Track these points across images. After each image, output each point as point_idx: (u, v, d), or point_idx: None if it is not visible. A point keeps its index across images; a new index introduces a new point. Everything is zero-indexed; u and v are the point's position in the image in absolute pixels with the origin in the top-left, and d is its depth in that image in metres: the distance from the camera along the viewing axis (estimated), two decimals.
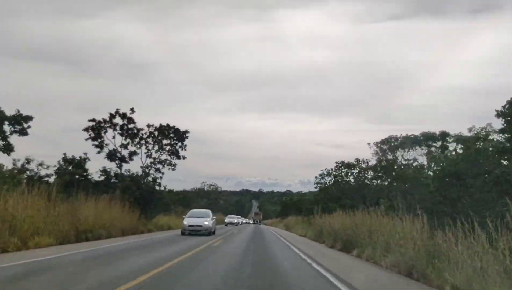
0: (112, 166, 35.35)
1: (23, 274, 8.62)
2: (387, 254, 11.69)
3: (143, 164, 39.22)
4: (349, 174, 36.17)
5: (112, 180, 34.14)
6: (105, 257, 12.49)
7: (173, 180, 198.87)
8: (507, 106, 16.24)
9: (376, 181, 32.91)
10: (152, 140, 39.69)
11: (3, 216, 13.63)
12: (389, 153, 41.69)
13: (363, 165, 35.27)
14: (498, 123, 17.02)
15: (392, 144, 42.37)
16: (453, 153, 25.69)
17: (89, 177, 31.83)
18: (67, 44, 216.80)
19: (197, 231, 26.11)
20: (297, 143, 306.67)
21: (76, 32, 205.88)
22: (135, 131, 37.58)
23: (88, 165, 32.02)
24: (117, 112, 36.78)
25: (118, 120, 36.85)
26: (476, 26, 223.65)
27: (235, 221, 67.28)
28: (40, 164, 28.54)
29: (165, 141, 40.40)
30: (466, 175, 15.11)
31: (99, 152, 35.56)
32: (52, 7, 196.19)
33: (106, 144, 36.09)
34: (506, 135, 16.47)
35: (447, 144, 37.42)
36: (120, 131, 36.81)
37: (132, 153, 37.28)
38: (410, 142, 41.06)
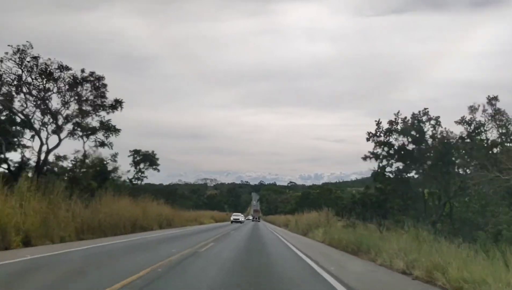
0: None
1: None
2: None
3: None
4: None
5: None
6: None
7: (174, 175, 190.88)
8: None
9: None
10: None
11: None
12: None
13: None
14: None
15: None
16: None
17: None
18: (65, 38, 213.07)
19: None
20: (297, 138, 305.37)
21: (75, 25, 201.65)
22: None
23: None
24: None
25: None
26: (477, 19, 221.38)
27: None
28: None
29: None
30: None
31: None
32: (49, 1, 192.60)
33: None
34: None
35: None
36: None
37: None
38: None
